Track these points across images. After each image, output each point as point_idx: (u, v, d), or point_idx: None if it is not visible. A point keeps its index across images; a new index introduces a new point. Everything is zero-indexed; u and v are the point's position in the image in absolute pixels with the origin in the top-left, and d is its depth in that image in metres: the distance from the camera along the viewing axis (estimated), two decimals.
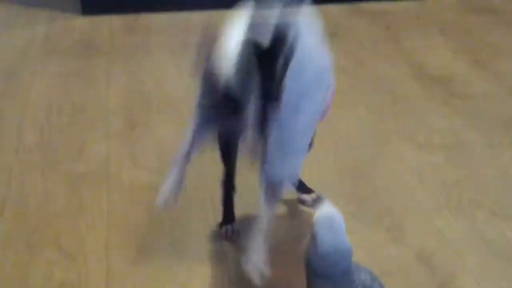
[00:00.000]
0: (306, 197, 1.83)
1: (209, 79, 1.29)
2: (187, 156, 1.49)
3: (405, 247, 1.68)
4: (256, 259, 1.36)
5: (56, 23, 3.17)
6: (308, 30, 1.38)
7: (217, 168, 1.67)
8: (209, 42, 1.27)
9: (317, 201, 1.17)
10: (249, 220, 1.71)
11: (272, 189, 1.40)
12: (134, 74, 2.59)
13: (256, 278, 1.35)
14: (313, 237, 1.12)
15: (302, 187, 1.84)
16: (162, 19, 3.22)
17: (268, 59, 1.24)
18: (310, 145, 1.67)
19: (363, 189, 1.92)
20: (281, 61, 1.25)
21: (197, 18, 3.24)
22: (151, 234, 1.72)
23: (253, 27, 1.27)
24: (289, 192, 1.54)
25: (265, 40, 1.23)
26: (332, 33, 3.05)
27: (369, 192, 1.91)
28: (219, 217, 1.73)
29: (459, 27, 3.12)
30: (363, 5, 3.37)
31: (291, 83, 1.31)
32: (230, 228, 1.71)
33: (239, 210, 1.73)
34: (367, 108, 2.38)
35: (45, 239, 1.71)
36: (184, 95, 2.42)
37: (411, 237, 1.72)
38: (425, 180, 1.96)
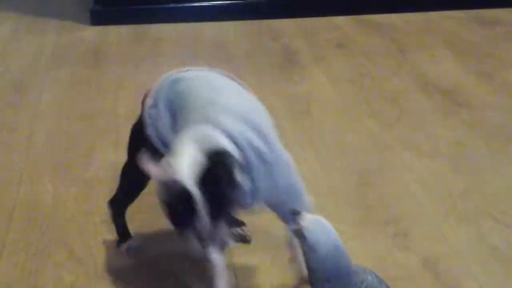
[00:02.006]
0: (239, 230, 1.75)
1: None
2: None
3: (411, 254, 1.70)
4: None
5: (65, 33, 3.21)
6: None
7: None
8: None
9: (294, 212, 1.16)
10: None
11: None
12: (142, 83, 2.60)
13: None
14: (309, 244, 1.12)
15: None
16: (170, 30, 3.25)
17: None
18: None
19: (369, 197, 1.93)
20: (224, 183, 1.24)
21: (205, 29, 3.28)
22: (159, 238, 1.73)
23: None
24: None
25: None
26: (338, 45, 3.08)
27: (376, 200, 1.92)
28: None
29: (465, 39, 3.14)
30: (369, 17, 3.39)
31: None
32: (129, 245, 1.69)
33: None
34: (373, 118, 2.40)
35: (54, 243, 1.73)
36: None
37: (416, 244, 1.74)
38: (431, 188, 1.98)
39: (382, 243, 1.74)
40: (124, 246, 1.68)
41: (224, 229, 1.25)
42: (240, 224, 1.74)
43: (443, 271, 1.64)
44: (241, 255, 1.68)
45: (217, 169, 1.22)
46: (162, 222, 1.38)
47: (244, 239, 1.73)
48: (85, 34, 3.21)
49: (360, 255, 1.58)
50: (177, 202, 1.22)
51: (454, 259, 1.68)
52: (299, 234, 1.14)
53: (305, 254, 1.14)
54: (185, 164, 1.21)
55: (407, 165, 2.11)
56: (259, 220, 1.78)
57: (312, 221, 1.14)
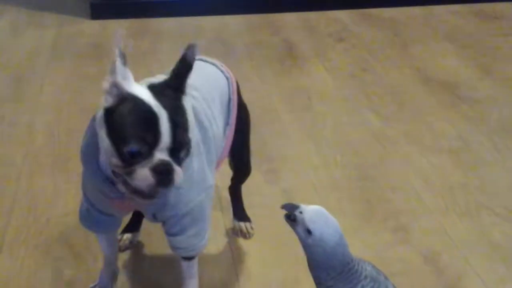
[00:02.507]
0: (242, 225, 1.73)
1: None
2: (109, 258, 1.48)
3: (412, 249, 1.69)
4: None
5: (65, 27, 3.20)
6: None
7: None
8: None
9: (288, 205, 1.13)
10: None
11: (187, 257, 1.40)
12: (143, 76, 2.59)
13: None
14: (316, 238, 1.10)
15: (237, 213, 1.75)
16: (170, 24, 3.24)
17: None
18: (248, 171, 1.66)
19: (370, 192, 1.93)
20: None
21: (205, 22, 3.27)
22: (157, 231, 1.73)
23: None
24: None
25: None
26: (339, 39, 3.07)
27: (376, 194, 1.92)
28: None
29: (466, 33, 3.13)
30: (370, 10, 3.38)
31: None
32: (129, 237, 1.66)
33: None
34: (374, 112, 2.39)
35: (54, 237, 1.73)
36: None
37: (418, 239, 1.73)
38: (432, 183, 1.97)
39: (383, 238, 1.73)
40: (126, 236, 1.67)
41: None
42: (246, 219, 1.74)
43: (444, 266, 1.63)
44: (241, 247, 1.68)
45: (167, 90, 1.17)
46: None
47: (244, 235, 1.72)
48: (85, 27, 3.20)
49: (361, 249, 1.58)
50: (139, 118, 1.12)
51: (455, 253, 1.68)
52: (302, 227, 1.12)
53: (309, 247, 1.12)
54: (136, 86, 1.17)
55: (408, 159, 2.10)
56: (261, 215, 1.78)
57: (314, 213, 1.12)
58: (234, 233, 1.73)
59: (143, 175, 1.13)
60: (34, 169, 2.03)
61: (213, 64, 1.48)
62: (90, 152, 1.23)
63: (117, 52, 1.12)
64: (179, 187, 1.23)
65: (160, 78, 1.26)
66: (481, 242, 1.72)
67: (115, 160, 1.14)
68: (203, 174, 1.32)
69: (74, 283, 1.57)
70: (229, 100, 1.46)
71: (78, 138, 2.25)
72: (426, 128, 2.28)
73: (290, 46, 2.99)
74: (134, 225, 1.68)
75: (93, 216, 1.37)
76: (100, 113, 1.17)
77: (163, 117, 1.12)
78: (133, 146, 1.12)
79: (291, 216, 1.13)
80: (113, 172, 1.18)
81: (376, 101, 2.48)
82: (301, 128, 2.28)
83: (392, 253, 1.68)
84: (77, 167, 2.04)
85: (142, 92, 1.15)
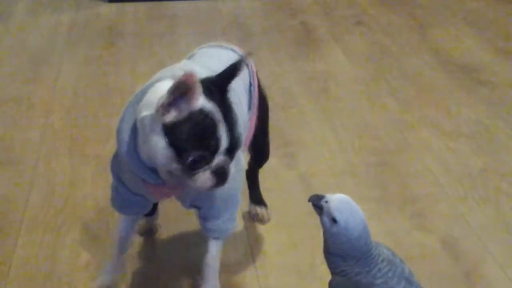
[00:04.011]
0: (258, 209, 1.73)
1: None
2: (124, 241, 1.47)
3: (430, 234, 1.68)
4: None
5: (82, 10, 3.20)
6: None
7: None
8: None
9: (313, 197, 1.13)
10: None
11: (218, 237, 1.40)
12: (159, 60, 2.60)
13: None
14: (341, 227, 1.09)
15: (254, 198, 1.74)
16: (186, 7, 3.23)
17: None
18: (266, 155, 1.67)
19: (388, 177, 1.92)
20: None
21: (221, 5, 3.25)
22: (170, 216, 1.73)
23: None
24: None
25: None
26: (357, 22, 3.04)
27: (394, 179, 1.90)
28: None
29: (485, 16, 3.09)
30: None
31: None
32: (148, 221, 1.66)
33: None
34: (392, 97, 2.37)
35: (71, 220, 1.73)
36: None
37: (436, 224, 1.72)
38: (450, 168, 1.96)
39: (401, 223, 1.72)
40: (145, 220, 1.66)
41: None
42: (262, 204, 1.74)
43: (462, 251, 1.62)
44: (257, 231, 1.68)
45: (215, 90, 1.18)
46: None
47: (260, 220, 1.72)
48: (101, 11, 3.19)
49: (378, 235, 1.56)
50: (203, 129, 1.15)
51: (473, 239, 1.66)
52: (328, 216, 1.11)
53: (333, 236, 1.12)
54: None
55: (426, 144, 2.08)
56: (277, 199, 1.78)
57: (340, 202, 1.12)
58: (250, 217, 1.73)
59: (205, 178, 1.19)
60: (51, 152, 2.04)
61: (232, 50, 1.48)
62: (130, 148, 1.24)
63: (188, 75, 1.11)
64: None
65: (186, 65, 1.26)
66: (500, 228, 1.71)
67: (176, 166, 1.18)
68: (239, 159, 1.34)
69: (91, 266, 1.58)
70: (250, 85, 1.47)
71: (95, 121, 2.27)
72: (445, 113, 2.26)
73: (307, 29, 2.96)
74: (151, 209, 1.68)
75: (124, 197, 1.38)
76: (147, 119, 1.18)
77: (221, 123, 1.16)
78: (197, 155, 1.16)
79: (318, 206, 1.13)
80: (169, 172, 1.20)
81: (394, 85, 2.45)
82: (318, 112, 2.27)
83: (410, 238, 1.67)
84: (94, 150, 2.07)
85: (203, 103, 1.16)
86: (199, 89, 1.14)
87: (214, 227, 1.38)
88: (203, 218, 1.38)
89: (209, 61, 1.37)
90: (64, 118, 2.23)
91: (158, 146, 1.17)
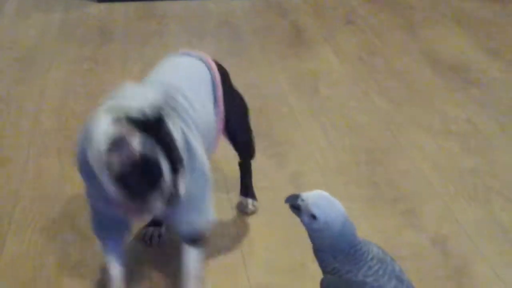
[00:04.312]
0: (243, 201, 1.75)
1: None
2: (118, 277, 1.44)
3: (420, 233, 1.68)
4: None
5: (72, 10, 3.19)
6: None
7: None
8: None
9: (289, 198, 1.14)
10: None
11: (195, 239, 1.41)
12: (149, 61, 2.59)
13: None
14: (322, 223, 1.09)
15: (245, 190, 1.76)
16: (176, 7, 3.22)
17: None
18: (252, 151, 1.70)
19: (378, 175, 1.92)
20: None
21: (211, 5, 3.24)
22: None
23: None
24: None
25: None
26: (347, 21, 3.04)
27: (384, 178, 1.91)
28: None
29: (475, 16, 3.10)
30: None
31: None
32: (155, 231, 1.65)
33: None
34: (382, 96, 2.38)
35: (61, 220, 1.73)
36: None
37: (426, 223, 1.72)
38: (441, 167, 1.96)
39: (391, 222, 1.72)
40: (147, 230, 1.65)
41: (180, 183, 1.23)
42: (250, 196, 1.75)
43: (452, 250, 1.62)
44: (247, 230, 1.68)
45: (158, 125, 1.21)
46: None
47: (243, 210, 1.74)
48: (91, 11, 3.18)
49: (369, 233, 1.57)
50: (138, 167, 1.18)
51: (464, 238, 1.67)
52: (307, 214, 1.11)
53: (315, 233, 1.12)
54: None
55: (416, 143, 2.08)
56: (268, 198, 1.78)
57: (317, 197, 1.11)
58: (238, 208, 1.73)
59: (156, 207, 1.23)
60: (41, 152, 2.03)
61: (200, 58, 1.54)
62: (89, 171, 1.28)
63: None
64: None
65: (137, 94, 1.34)
66: (489, 226, 1.71)
67: (124, 200, 1.21)
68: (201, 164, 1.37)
69: (81, 266, 1.57)
70: (213, 85, 1.51)
71: (83, 121, 2.25)
72: (435, 112, 2.27)
73: (298, 29, 2.97)
74: (157, 219, 1.66)
75: (101, 221, 1.39)
76: (96, 156, 1.24)
77: (165, 165, 1.19)
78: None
79: (295, 205, 1.13)
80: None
81: (385, 85, 2.46)
82: (308, 111, 2.27)
83: (400, 237, 1.67)
84: None
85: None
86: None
87: (188, 230, 1.39)
88: (177, 226, 1.40)
89: (171, 75, 1.46)
90: (53, 118, 2.22)
91: (105, 183, 1.22)
